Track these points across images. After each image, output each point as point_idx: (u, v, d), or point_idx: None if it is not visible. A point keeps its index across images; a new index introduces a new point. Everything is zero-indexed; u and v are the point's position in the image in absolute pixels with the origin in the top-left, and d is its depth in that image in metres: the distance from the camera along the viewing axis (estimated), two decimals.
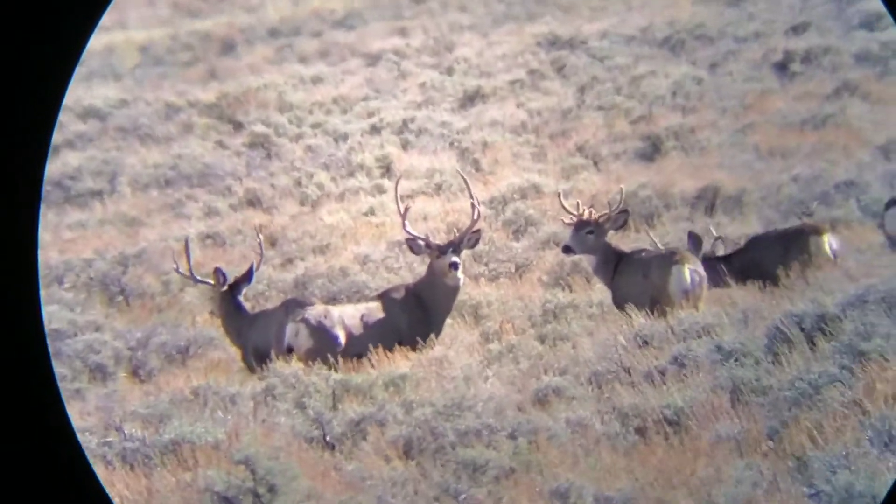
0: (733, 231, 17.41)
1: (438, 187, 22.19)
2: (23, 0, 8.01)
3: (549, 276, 16.75)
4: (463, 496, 9.52)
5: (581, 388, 11.43)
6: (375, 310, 13.55)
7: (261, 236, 15.30)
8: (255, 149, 26.19)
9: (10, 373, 7.98)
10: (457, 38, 35.92)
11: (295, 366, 12.54)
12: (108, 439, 11.02)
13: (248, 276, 14.00)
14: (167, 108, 30.38)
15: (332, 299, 15.78)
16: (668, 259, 13.75)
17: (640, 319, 13.16)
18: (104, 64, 37.15)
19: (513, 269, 17.38)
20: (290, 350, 13.24)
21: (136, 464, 10.68)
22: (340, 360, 13.08)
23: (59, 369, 14.28)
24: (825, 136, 22.54)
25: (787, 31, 31.45)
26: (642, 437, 10.28)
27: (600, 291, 14.85)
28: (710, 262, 14.47)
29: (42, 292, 16.28)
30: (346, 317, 13.42)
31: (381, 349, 13.09)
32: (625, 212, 14.25)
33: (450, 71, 32.00)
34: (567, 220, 14.28)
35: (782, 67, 28.43)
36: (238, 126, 28.51)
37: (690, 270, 13.67)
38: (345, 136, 26.43)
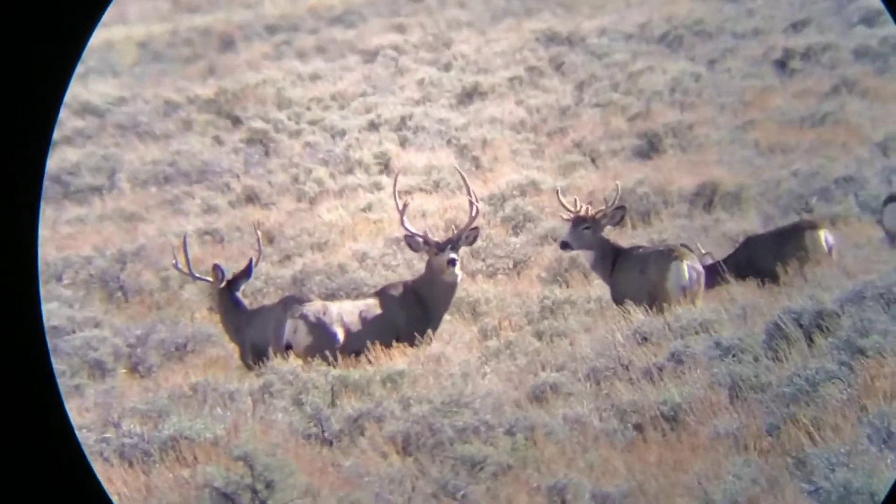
0: (732, 227, 17.42)
1: (437, 184, 22.20)
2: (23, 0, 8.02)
3: (548, 272, 16.75)
4: (461, 492, 9.52)
5: (579, 384, 11.43)
6: (374, 306, 13.56)
7: (259, 233, 15.30)
8: (253, 145, 26.18)
9: (10, 370, 7.98)
10: (455, 35, 35.92)
11: (293, 362, 12.55)
12: (107, 435, 11.03)
13: (246, 273, 14.00)
14: (166, 105, 30.39)
15: (331, 296, 15.78)
16: (667, 255, 13.75)
17: (638, 316, 13.16)
18: (103, 60, 37.15)
19: (511, 266, 17.39)
20: (288, 347, 13.24)
21: (135, 460, 10.68)
22: (339, 356, 13.08)
23: (57, 366, 14.28)
24: (824, 132, 22.55)
25: (786, 28, 31.45)
26: (640, 434, 10.28)
27: (598, 287, 14.86)
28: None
29: (41, 289, 16.27)
30: (345, 313, 13.43)
31: (379, 346, 13.09)
32: (621, 208, 14.26)
33: (448, 67, 32.00)
34: (565, 217, 14.29)
35: (781, 64, 28.43)
36: (236, 122, 28.52)
37: (689, 267, 13.68)
38: (343, 133, 26.43)
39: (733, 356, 11.24)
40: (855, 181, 18.75)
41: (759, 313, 12.48)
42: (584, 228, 14.10)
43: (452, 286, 13.66)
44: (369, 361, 12.88)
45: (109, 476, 10.26)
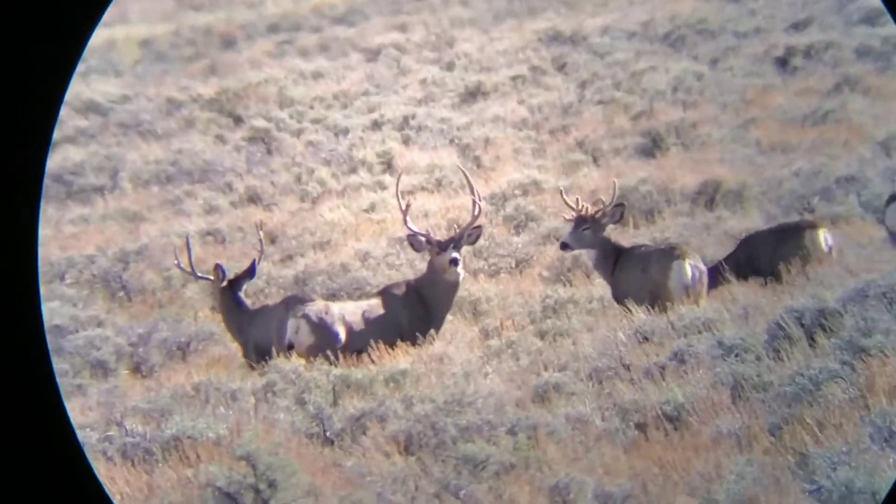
0: (734, 225, 17.42)
1: (439, 183, 22.20)
2: None
3: (550, 271, 16.76)
4: (463, 492, 9.53)
5: (581, 383, 11.44)
6: (376, 306, 13.56)
7: (261, 233, 15.30)
8: (255, 144, 26.19)
9: (9, 370, 7.98)
10: (457, 34, 35.91)
11: (295, 362, 12.56)
12: (110, 434, 11.04)
13: (249, 273, 14.01)
14: (168, 104, 30.39)
15: (333, 296, 15.78)
16: (669, 254, 13.75)
17: (640, 315, 13.16)
18: (105, 59, 37.16)
19: (513, 265, 17.39)
20: (290, 346, 13.25)
21: (137, 459, 10.69)
22: (341, 356, 13.09)
23: (60, 365, 14.30)
24: (826, 131, 22.53)
25: (787, 27, 31.45)
26: (642, 433, 10.28)
27: (600, 287, 14.86)
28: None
29: (43, 289, 16.30)
30: (347, 313, 13.44)
31: (381, 345, 13.10)
32: (620, 205, 14.26)
33: (450, 66, 32.00)
34: (568, 217, 14.29)
35: (783, 63, 28.42)
36: (238, 121, 28.52)
37: (691, 266, 13.68)
38: (345, 132, 26.43)
39: (736, 356, 11.24)
40: (857, 181, 18.73)
41: (761, 313, 12.48)
42: (584, 229, 14.12)
43: (455, 285, 13.66)
44: (372, 361, 12.88)
45: (112, 475, 10.27)
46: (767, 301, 13.00)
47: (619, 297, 13.84)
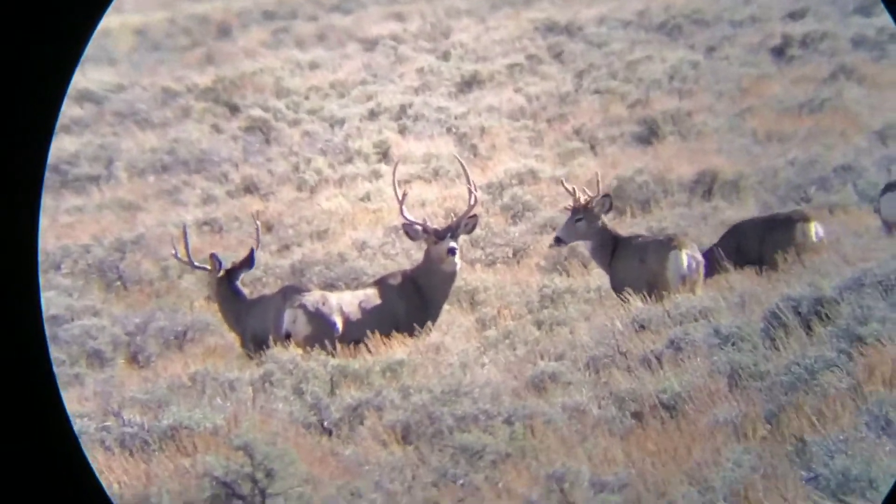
0: (731, 215, 17.43)
1: (436, 173, 22.20)
2: None
3: (547, 260, 16.76)
4: (460, 481, 9.54)
5: (578, 373, 11.45)
6: (373, 296, 13.56)
7: (258, 223, 15.29)
8: (252, 133, 26.17)
9: (8, 362, 7.98)
10: (454, 23, 35.90)
11: (293, 352, 12.55)
12: (107, 424, 11.03)
13: (248, 263, 14.00)
14: (164, 93, 30.35)
15: (330, 285, 15.79)
16: (666, 244, 13.76)
17: (637, 303, 13.17)
18: (100, 48, 37.08)
19: (510, 254, 17.39)
20: (287, 336, 13.25)
21: (135, 449, 10.69)
22: (338, 346, 13.10)
23: (57, 355, 14.30)
24: (822, 120, 22.55)
25: (784, 16, 31.45)
26: (639, 422, 10.29)
27: (597, 276, 14.87)
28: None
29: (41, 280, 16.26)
30: (344, 303, 13.44)
31: (378, 335, 13.10)
32: (606, 196, 14.24)
33: (447, 56, 31.98)
34: (568, 206, 14.29)
35: (779, 52, 28.43)
36: (235, 110, 28.49)
37: (688, 255, 13.69)
38: (342, 122, 26.42)
39: (732, 344, 11.25)
40: (853, 170, 18.75)
41: (758, 301, 12.49)
42: (577, 220, 14.14)
43: (451, 275, 13.66)
44: (369, 351, 12.89)
45: (109, 465, 10.27)
46: (764, 289, 13.01)
47: (616, 287, 13.85)
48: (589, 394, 10.77)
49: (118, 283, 18.19)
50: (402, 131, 25.69)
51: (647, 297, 13.33)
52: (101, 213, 22.42)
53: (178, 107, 29.28)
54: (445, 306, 13.88)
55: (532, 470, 9.53)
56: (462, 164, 15.07)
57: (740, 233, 14.60)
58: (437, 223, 14.72)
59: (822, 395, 9.99)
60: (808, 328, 11.30)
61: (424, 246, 13.80)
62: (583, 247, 14.88)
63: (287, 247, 18.88)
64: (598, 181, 14.41)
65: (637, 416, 10.39)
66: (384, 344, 12.95)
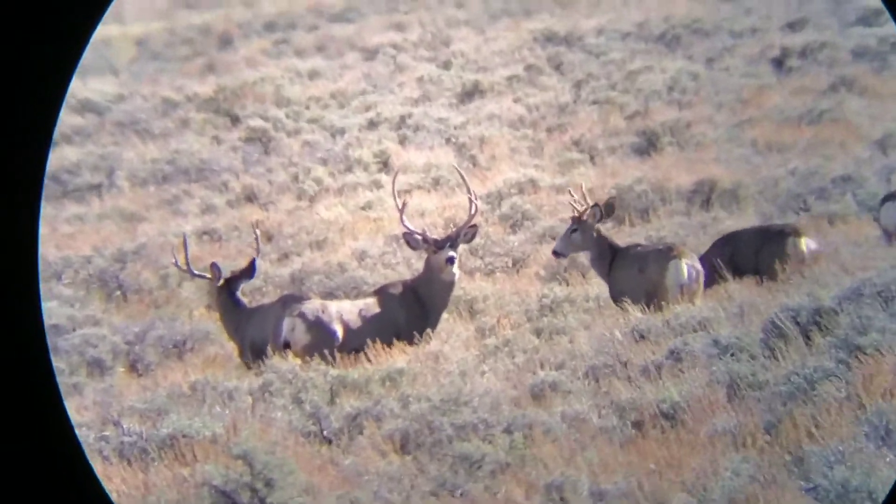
0: (731, 225, 17.42)
1: (436, 182, 22.21)
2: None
3: (546, 270, 16.77)
4: (459, 490, 9.54)
5: (577, 382, 11.45)
6: (372, 305, 13.58)
7: (258, 232, 15.30)
8: (252, 143, 26.19)
9: (10, 369, 7.99)
10: (454, 33, 35.93)
11: (292, 361, 12.56)
12: (106, 434, 11.04)
13: (248, 272, 14.00)
14: (164, 103, 30.38)
15: (330, 295, 15.80)
16: (666, 254, 13.77)
17: (636, 313, 13.18)
18: (101, 58, 37.12)
19: (509, 264, 17.40)
20: (287, 345, 13.25)
21: (134, 458, 10.69)
22: (337, 355, 13.10)
23: (56, 364, 14.29)
24: (822, 131, 22.56)
25: (783, 27, 31.50)
26: (639, 432, 10.29)
27: (597, 285, 14.87)
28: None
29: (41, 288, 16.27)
30: (344, 312, 13.45)
31: (378, 344, 13.11)
32: (595, 206, 14.26)
33: (447, 66, 32.01)
34: (580, 209, 14.30)
35: (779, 62, 28.46)
36: (235, 120, 28.51)
37: (688, 265, 13.69)
38: (342, 131, 26.43)
39: (731, 354, 11.26)
40: (853, 180, 18.75)
41: (757, 311, 12.50)
42: (572, 232, 14.20)
43: (451, 284, 13.68)
44: (368, 360, 12.89)
45: (108, 474, 10.27)
46: (763, 300, 13.02)
47: (615, 296, 13.86)
48: (589, 403, 10.78)
49: (118, 292, 18.20)
50: (402, 141, 25.71)
51: (647, 307, 13.34)
52: (102, 223, 22.43)
53: (178, 117, 29.31)
54: (445, 315, 13.89)
55: (531, 479, 9.54)
56: (461, 174, 15.09)
57: (735, 243, 14.59)
58: (437, 233, 14.73)
59: (821, 405, 10.00)
60: (808, 338, 11.31)
61: (424, 255, 13.81)
62: (583, 257, 14.91)
63: (287, 256, 18.88)
64: (583, 192, 14.44)
65: (637, 425, 10.39)
66: (384, 353, 12.96)
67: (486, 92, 29.09)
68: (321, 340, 13.23)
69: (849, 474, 8.85)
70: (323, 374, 11.98)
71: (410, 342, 13.26)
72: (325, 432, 10.86)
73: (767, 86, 26.83)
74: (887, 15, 29.87)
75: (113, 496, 9.86)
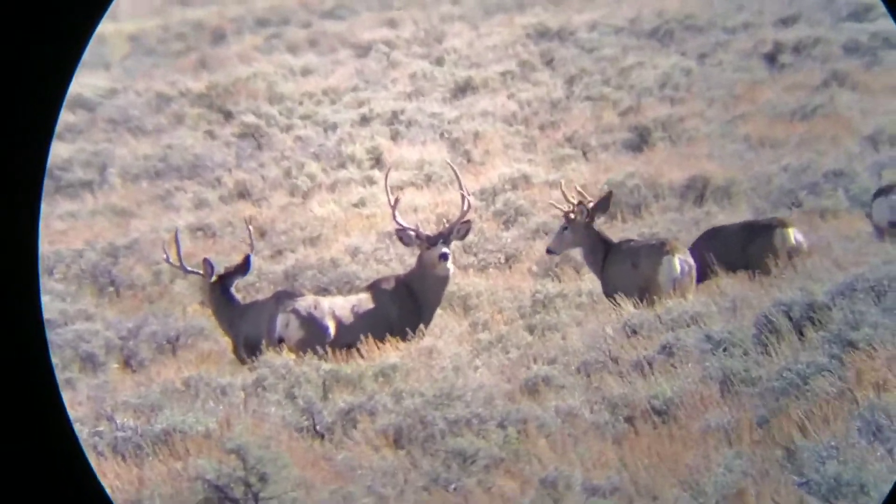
0: (723, 221, 17.40)
1: (428, 178, 22.21)
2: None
3: (539, 266, 16.78)
4: (453, 485, 9.55)
5: (570, 377, 11.47)
6: (365, 301, 13.58)
7: (251, 228, 15.30)
8: (245, 139, 26.18)
9: (8, 365, 7.99)
10: (447, 29, 35.93)
11: (285, 356, 12.56)
12: (99, 429, 11.04)
13: (243, 268, 14.01)
14: (158, 99, 30.36)
15: (323, 290, 15.80)
16: (659, 249, 13.78)
17: (628, 308, 13.19)
18: (94, 53, 37.07)
19: (502, 260, 17.41)
20: (280, 341, 13.26)
21: (128, 453, 10.70)
22: (330, 350, 13.11)
23: None
24: (814, 126, 22.58)
25: (776, 23, 31.52)
26: (631, 427, 10.31)
27: (589, 281, 14.89)
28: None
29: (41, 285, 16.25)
30: (337, 307, 13.45)
31: (371, 339, 13.12)
32: (580, 203, 14.28)
33: (440, 62, 32.00)
34: (565, 209, 14.33)
35: (772, 58, 28.48)
36: (228, 116, 28.49)
37: (680, 260, 13.70)
38: (335, 127, 26.42)
39: (724, 349, 11.28)
40: (845, 175, 18.77)
41: (749, 306, 12.52)
42: (563, 230, 14.24)
43: (444, 280, 13.69)
44: (361, 355, 12.90)
45: (102, 469, 10.27)
46: (755, 295, 13.03)
47: (608, 292, 13.88)
48: (581, 398, 10.79)
49: (111, 288, 18.19)
50: (395, 137, 25.70)
51: (639, 302, 13.35)
52: (95, 219, 22.41)
53: (171, 112, 29.29)
54: (438, 311, 13.90)
55: (525, 474, 9.55)
56: (454, 170, 15.10)
57: (719, 239, 14.54)
58: (430, 229, 14.74)
59: (813, 400, 10.02)
60: (800, 333, 11.33)
61: (417, 251, 13.82)
62: (576, 253, 14.93)
63: (280, 252, 18.87)
64: (567, 190, 14.46)
65: (629, 420, 10.41)
66: (377, 348, 12.97)
67: (479, 88, 29.09)
68: (314, 336, 13.24)
69: (841, 469, 8.87)
70: (316, 369, 12.00)
71: (403, 337, 13.27)
72: (318, 427, 10.87)
73: (760, 81, 26.85)
74: (878, 10, 29.94)
75: (107, 491, 9.86)
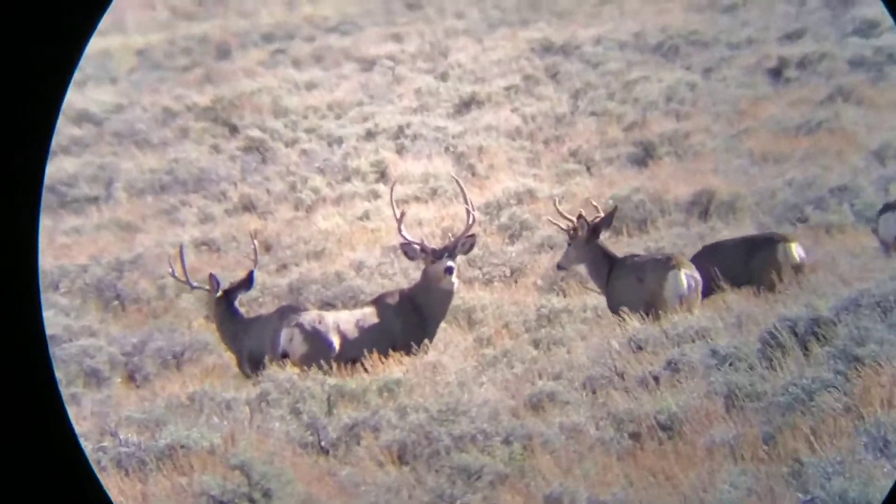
0: (728, 236, 17.38)
1: (433, 192, 22.21)
2: (23, 1, 8.02)
3: (544, 280, 16.77)
4: (458, 502, 9.53)
5: (575, 393, 11.45)
6: (370, 315, 13.57)
7: (255, 242, 15.30)
8: (250, 153, 26.20)
9: (11, 377, 7.98)
10: (452, 44, 35.97)
11: (290, 371, 12.55)
12: (104, 444, 11.04)
13: (247, 283, 14.01)
14: (163, 113, 30.41)
15: (327, 305, 15.79)
16: (665, 263, 13.76)
17: (633, 324, 13.17)
18: (101, 68, 37.16)
19: (507, 274, 17.40)
20: (284, 355, 13.25)
21: (132, 469, 10.69)
22: (335, 365, 13.09)
23: None
24: (819, 141, 22.57)
25: (781, 38, 31.54)
26: (637, 443, 10.29)
27: (594, 296, 14.87)
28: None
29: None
30: (341, 322, 13.44)
31: (375, 354, 13.10)
32: (580, 218, 14.28)
33: (444, 76, 32.03)
34: (563, 226, 14.34)
35: (776, 73, 28.49)
36: (233, 130, 28.52)
37: (687, 275, 13.69)
38: (340, 141, 26.44)
39: (729, 364, 11.26)
40: (850, 190, 18.75)
41: (755, 321, 12.49)
42: (568, 245, 14.26)
43: (449, 294, 13.68)
44: (365, 370, 12.89)
45: (106, 485, 10.25)
46: (761, 310, 13.01)
47: (613, 307, 13.86)
48: (587, 414, 10.77)
49: (116, 302, 18.19)
50: (400, 151, 25.71)
51: (645, 317, 13.33)
52: (100, 234, 22.42)
53: (177, 127, 29.33)
54: (443, 325, 13.89)
55: (530, 490, 9.53)
56: (459, 184, 15.10)
57: (719, 255, 14.46)
58: (435, 243, 14.73)
59: (819, 416, 10.00)
60: (806, 349, 11.31)
61: (422, 265, 13.81)
62: (581, 268, 14.92)
63: (285, 266, 18.87)
64: (557, 208, 14.48)
65: (634, 436, 10.39)
66: (381, 363, 12.95)
67: (484, 102, 29.11)
68: (318, 350, 13.23)
69: (847, 485, 8.85)
70: (320, 384, 11.98)
71: (408, 352, 13.25)
72: (322, 443, 10.85)
73: (764, 96, 26.85)
74: (884, 26, 29.95)
75: None
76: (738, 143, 23.25)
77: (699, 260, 14.39)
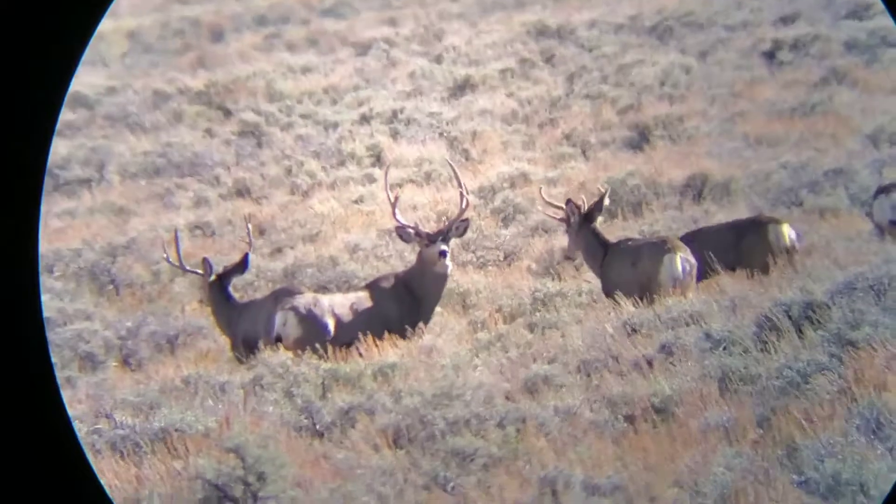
0: (723, 219, 17.39)
1: (428, 176, 22.20)
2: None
3: (538, 264, 16.77)
4: (452, 484, 9.54)
5: (570, 376, 11.46)
6: (365, 299, 13.57)
7: (249, 226, 15.29)
8: (244, 137, 26.16)
9: (9, 363, 7.98)
10: (446, 27, 35.92)
11: (284, 355, 12.55)
12: (98, 427, 11.04)
13: (241, 267, 14.01)
14: (156, 96, 30.35)
15: (322, 288, 15.79)
16: (660, 247, 13.75)
17: (628, 307, 13.18)
18: (93, 51, 37.04)
19: (501, 257, 17.40)
20: (278, 339, 13.25)
21: (126, 452, 10.70)
22: (329, 348, 13.09)
23: None
24: (814, 124, 22.57)
25: (775, 21, 31.51)
26: (631, 425, 10.30)
27: (589, 280, 14.88)
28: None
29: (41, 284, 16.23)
30: (336, 305, 13.44)
31: (370, 338, 13.10)
32: (568, 202, 14.29)
33: (439, 60, 31.99)
34: (552, 213, 14.36)
35: (771, 56, 28.47)
36: (227, 114, 28.48)
37: (682, 259, 13.68)
38: (335, 126, 26.41)
39: (724, 348, 11.27)
40: (845, 173, 18.74)
41: (749, 305, 12.50)
42: (565, 231, 14.29)
43: (443, 277, 13.68)
44: (360, 354, 12.89)
45: (101, 468, 10.26)
46: (755, 293, 13.01)
47: (608, 291, 13.86)
48: (581, 397, 10.78)
49: (110, 286, 18.17)
50: (395, 135, 25.69)
51: (639, 301, 13.34)
52: (93, 217, 22.39)
53: (170, 110, 29.27)
54: (437, 309, 13.89)
55: (524, 473, 9.54)
56: (453, 168, 15.09)
57: (704, 240, 14.36)
58: (430, 226, 14.72)
59: (813, 398, 10.02)
60: (800, 332, 11.32)
61: (417, 249, 13.81)
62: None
63: (279, 250, 18.86)
64: (542, 196, 14.50)
65: (629, 419, 10.40)
66: (376, 347, 12.95)
67: (479, 86, 29.07)
68: (313, 334, 13.23)
69: (840, 467, 8.87)
70: (315, 368, 11.99)
71: (402, 336, 13.26)
72: (317, 426, 10.86)
73: (759, 79, 26.83)
74: (877, 8, 29.94)
75: (106, 490, 9.85)
76: (732, 126, 23.25)
77: (690, 245, 14.36)
